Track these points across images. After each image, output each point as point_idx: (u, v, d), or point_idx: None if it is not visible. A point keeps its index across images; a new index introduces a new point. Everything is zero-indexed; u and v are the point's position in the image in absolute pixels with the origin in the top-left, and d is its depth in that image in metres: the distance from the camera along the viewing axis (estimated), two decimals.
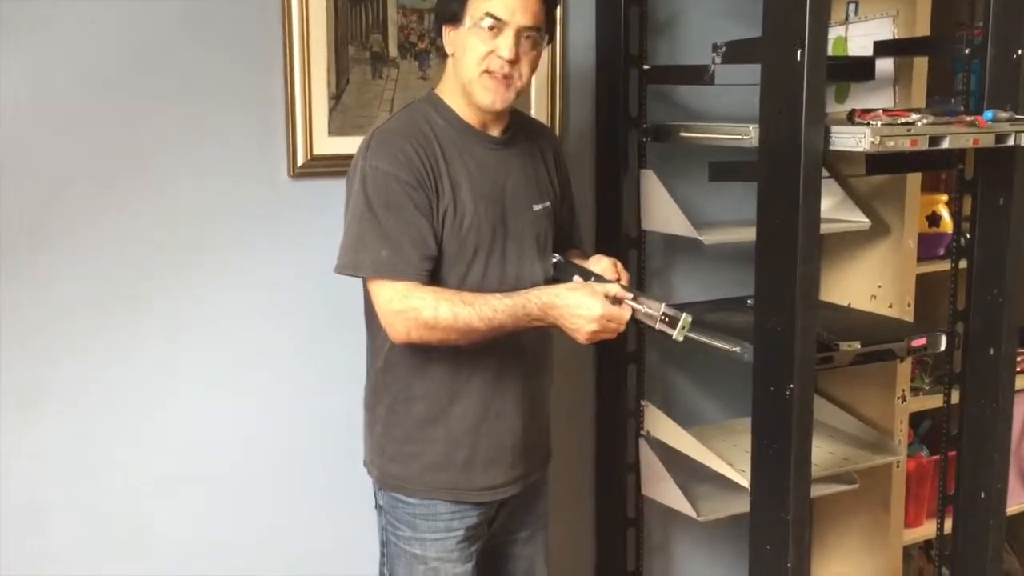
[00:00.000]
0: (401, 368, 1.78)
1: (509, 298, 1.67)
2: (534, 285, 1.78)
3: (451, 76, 1.78)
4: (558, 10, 2.26)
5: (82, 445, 2.00)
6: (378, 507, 1.87)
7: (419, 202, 1.69)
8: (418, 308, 1.65)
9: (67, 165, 1.92)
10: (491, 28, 1.68)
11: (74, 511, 2.01)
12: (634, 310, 1.67)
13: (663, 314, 1.64)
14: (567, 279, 1.77)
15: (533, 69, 1.76)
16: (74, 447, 1.99)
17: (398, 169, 1.68)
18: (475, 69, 1.70)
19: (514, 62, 1.70)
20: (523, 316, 1.66)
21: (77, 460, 2.00)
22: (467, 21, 1.69)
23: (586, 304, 1.65)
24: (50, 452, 1.98)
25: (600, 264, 1.83)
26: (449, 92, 1.78)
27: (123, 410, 2.03)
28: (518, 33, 1.69)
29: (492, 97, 1.72)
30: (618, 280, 1.78)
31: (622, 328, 1.68)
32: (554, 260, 1.82)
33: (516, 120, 1.86)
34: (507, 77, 1.71)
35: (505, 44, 1.68)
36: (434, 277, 1.72)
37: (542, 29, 1.73)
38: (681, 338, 1.63)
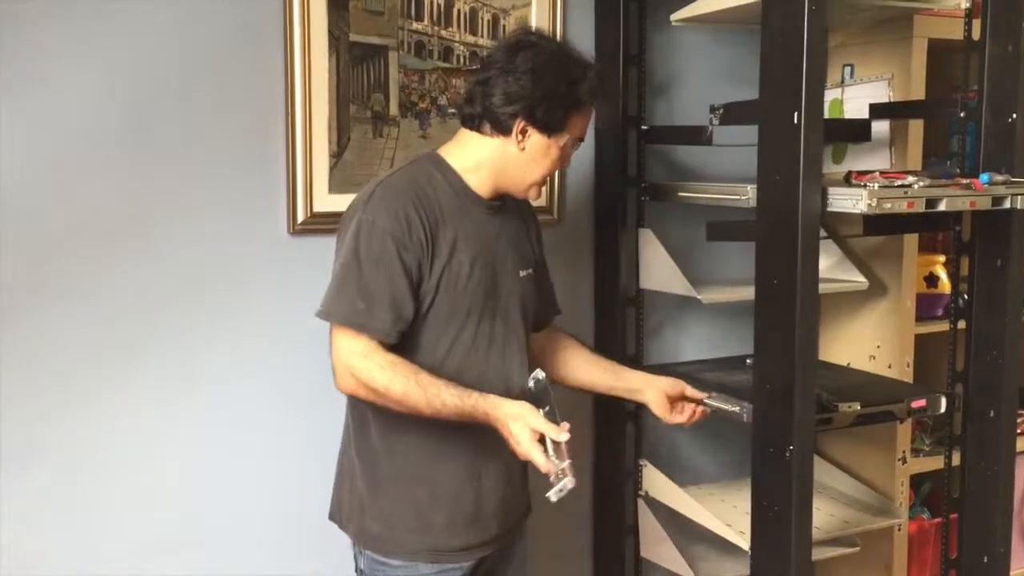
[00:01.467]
0: (383, 426, 1.77)
1: (459, 399, 1.66)
2: (519, 349, 1.82)
3: (486, 154, 1.77)
4: None
5: (75, 502, 1.98)
6: (359, 571, 1.85)
7: (408, 263, 1.69)
8: (373, 372, 1.65)
9: (69, 223, 1.93)
10: (571, 147, 1.81)
11: (65, 570, 1.98)
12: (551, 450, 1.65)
13: (560, 470, 1.61)
14: (542, 402, 1.74)
15: None
16: (67, 504, 1.97)
17: (394, 227, 1.69)
18: (544, 176, 1.80)
19: None
20: (468, 417, 1.67)
21: (69, 518, 1.98)
22: (563, 136, 1.77)
23: (516, 432, 1.64)
24: (43, 509, 1.95)
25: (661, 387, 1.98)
26: (464, 160, 1.79)
27: (118, 468, 2.01)
28: None
29: (541, 192, 1.87)
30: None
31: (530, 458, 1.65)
32: (538, 378, 1.79)
33: None
34: None
35: (571, 157, 1.84)
36: (427, 335, 1.73)
37: None
38: (554, 499, 1.59)
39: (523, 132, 1.75)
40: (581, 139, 1.82)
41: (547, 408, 1.72)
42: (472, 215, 1.78)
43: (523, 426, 1.63)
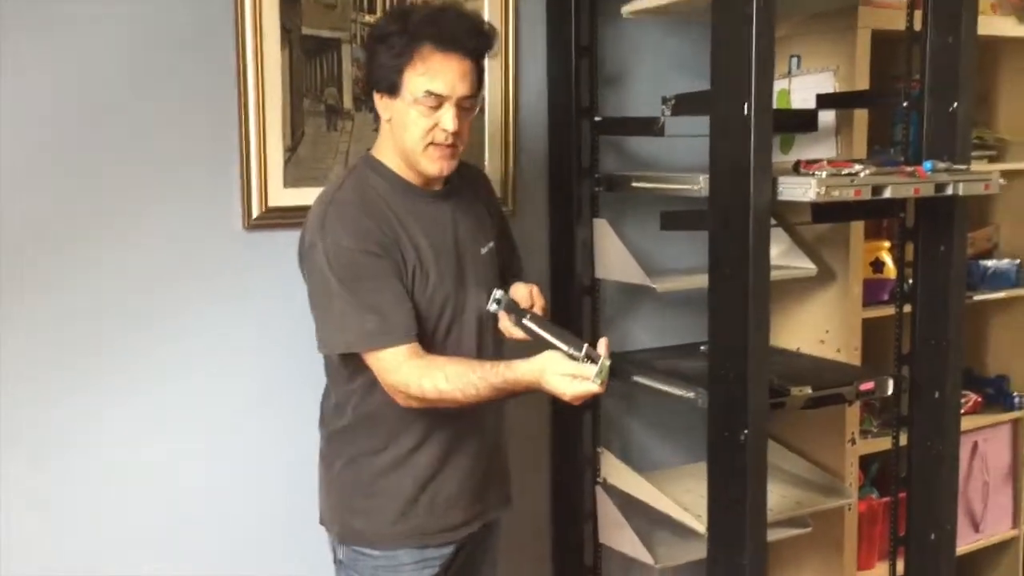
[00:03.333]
0: (368, 423, 1.78)
1: (487, 380, 1.63)
2: (492, 334, 1.82)
3: (388, 139, 1.77)
4: (510, 63, 2.32)
5: (45, 499, 1.96)
6: (338, 562, 1.86)
7: (389, 268, 1.69)
8: (407, 383, 1.65)
9: (22, 220, 1.89)
10: (431, 105, 1.68)
11: (40, 567, 1.96)
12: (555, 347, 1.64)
13: (585, 355, 1.60)
14: (518, 313, 1.75)
15: (470, 126, 1.78)
16: (35, 502, 1.95)
17: (360, 242, 1.68)
18: (420, 143, 1.71)
19: (457, 132, 1.71)
20: (505, 393, 1.65)
21: (38, 515, 1.95)
22: (406, 95, 1.68)
23: (554, 386, 1.60)
24: (11, 507, 1.92)
25: (518, 292, 1.86)
26: (387, 154, 1.78)
27: (79, 462, 1.98)
28: (458, 104, 1.70)
29: (439, 166, 1.73)
30: (531, 307, 1.82)
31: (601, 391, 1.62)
32: (497, 297, 1.73)
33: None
34: (452, 146, 1.72)
35: (448, 118, 1.69)
36: None
37: (478, 93, 1.75)
38: (598, 383, 1.58)
39: (382, 102, 1.73)
40: (436, 95, 1.67)
41: (527, 316, 1.72)
42: (421, 210, 1.77)
43: (553, 375, 1.58)
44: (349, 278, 1.67)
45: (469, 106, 1.73)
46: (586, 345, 1.61)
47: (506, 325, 1.81)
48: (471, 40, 1.70)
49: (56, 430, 1.96)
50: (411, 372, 1.65)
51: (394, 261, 1.70)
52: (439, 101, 1.68)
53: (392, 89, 1.69)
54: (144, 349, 2.03)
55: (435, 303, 1.75)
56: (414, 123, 1.69)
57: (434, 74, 1.67)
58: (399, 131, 1.72)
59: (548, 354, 1.61)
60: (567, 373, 1.58)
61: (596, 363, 1.59)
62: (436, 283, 1.75)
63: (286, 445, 2.12)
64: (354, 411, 1.78)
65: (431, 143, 1.71)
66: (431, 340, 1.74)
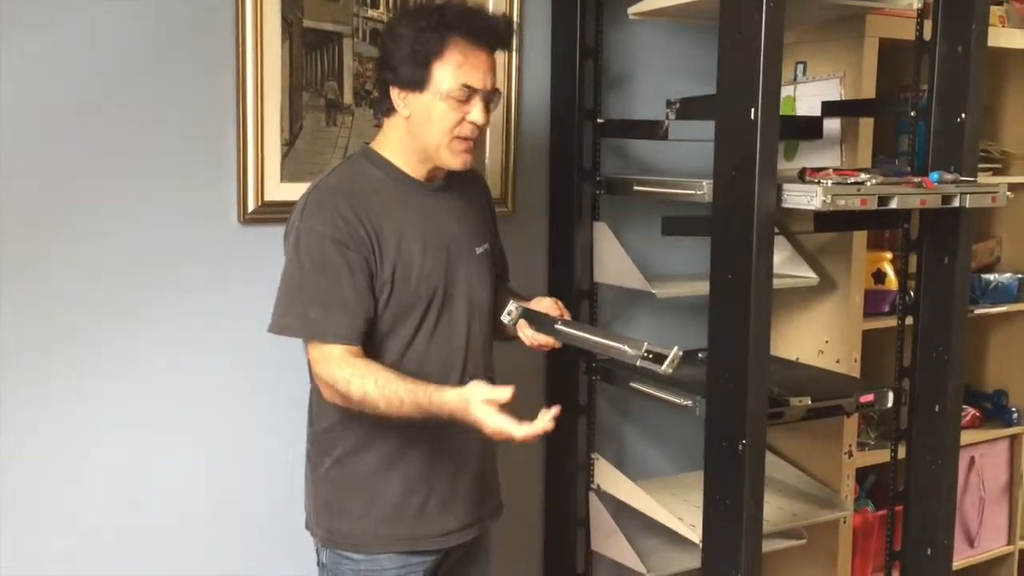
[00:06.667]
0: (356, 422, 1.75)
1: (414, 394, 1.59)
2: (486, 325, 1.81)
3: (398, 134, 1.75)
4: (514, 63, 2.30)
5: (16, 493, 1.92)
6: (320, 565, 1.83)
7: (355, 263, 1.67)
8: (336, 379, 1.64)
9: (15, 207, 1.87)
10: (461, 99, 1.68)
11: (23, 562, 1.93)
12: (607, 347, 1.62)
13: (647, 351, 1.55)
14: (543, 326, 1.76)
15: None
16: (8, 496, 1.92)
17: (333, 230, 1.66)
18: (446, 136, 1.70)
19: (483, 125, 1.72)
20: (428, 413, 1.61)
21: (10, 509, 1.92)
22: (435, 89, 1.67)
23: (479, 416, 1.56)
24: None
25: (542, 303, 1.85)
26: (390, 147, 1.76)
27: (61, 458, 1.96)
28: (486, 97, 1.71)
29: (462, 159, 1.73)
30: (560, 316, 1.80)
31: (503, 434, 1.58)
32: (510, 311, 1.77)
33: None
34: (474, 139, 1.72)
35: (477, 111, 1.70)
36: (389, 326, 1.71)
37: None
38: (671, 370, 1.54)
39: (403, 98, 1.71)
40: (471, 88, 1.68)
41: (559, 322, 1.72)
42: (416, 201, 1.75)
43: (478, 404, 1.56)
44: (312, 265, 1.66)
45: (492, 100, 1.73)
46: (646, 343, 1.58)
47: (527, 334, 1.81)
48: (502, 34, 1.72)
49: (41, 423, 1.93)
50: (343, 369, 1.63)
51: (363, 257, 1.67)
52: (470, 94, 1.68)
53: (418, 84, 1.68)
54: (136, 341, 2.00)
55: (421, 294, 1.73)
56: (443, 117, 1.68)
57: (469, 68, 1.67)
58: (422, 126, 1.71)
59: (475, 384, 1.59)
60: (489, 400, 1.55)
61: (660, 361, 1.54)
62: (420, 274, 1.72)
63: (279, 443, 2.09)
64: (340, 408, 1.74)
65: (456, 136, 1.70)
66: (418, 333, 1.72)
